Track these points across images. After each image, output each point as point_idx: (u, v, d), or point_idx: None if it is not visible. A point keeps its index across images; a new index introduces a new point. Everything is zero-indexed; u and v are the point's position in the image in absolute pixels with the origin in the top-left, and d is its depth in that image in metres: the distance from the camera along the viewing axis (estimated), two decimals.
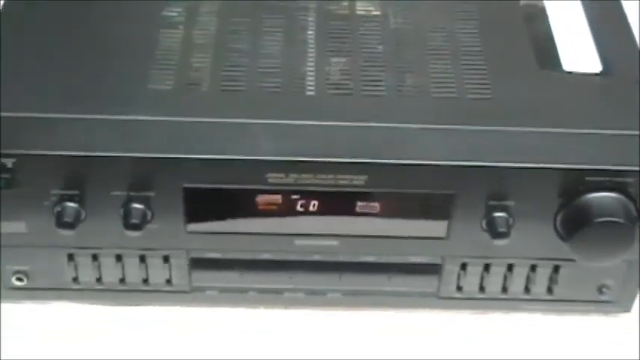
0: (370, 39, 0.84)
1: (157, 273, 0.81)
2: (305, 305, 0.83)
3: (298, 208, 0.76)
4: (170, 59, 0.81)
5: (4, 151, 0.73)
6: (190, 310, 0.83)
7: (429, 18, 0.87)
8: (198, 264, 0.81)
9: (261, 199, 0.76)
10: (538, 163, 0.74)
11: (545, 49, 0.84)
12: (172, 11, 0.86)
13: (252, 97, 0.78)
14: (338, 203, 0.76)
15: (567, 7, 0.88)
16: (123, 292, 0.82)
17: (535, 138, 0.76)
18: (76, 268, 0.81)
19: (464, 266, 0.81)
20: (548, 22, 0.87)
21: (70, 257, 0.80)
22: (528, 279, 0.81)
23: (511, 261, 0.80)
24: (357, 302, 0.83)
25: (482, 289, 0.82)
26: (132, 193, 0.75)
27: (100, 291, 0.82)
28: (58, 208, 0.75)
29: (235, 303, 0.84)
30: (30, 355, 0.80)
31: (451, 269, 0.81)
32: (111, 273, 0.81)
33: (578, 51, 0.84)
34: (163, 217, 0.77)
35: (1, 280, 0.81)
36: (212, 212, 0.77)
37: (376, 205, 0.76)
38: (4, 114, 0.75)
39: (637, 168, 0.74)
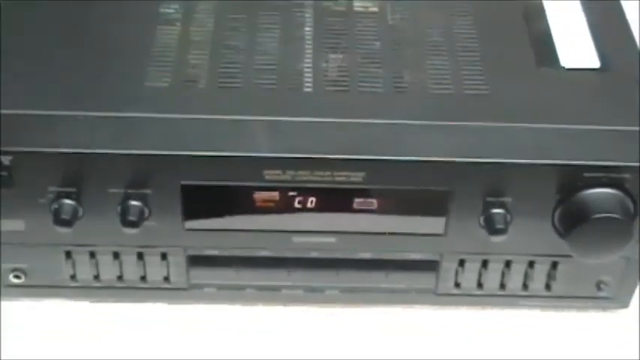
0: (367, 36, 0.84)
1: (155, 270, 0.81)
2: (303, 302, 0.83)
3: (296, 205, 0.76)
4: (167, 56, 0.81)
5: (1, 149, 0.73)
6: (189, 308, 0.83)
7: (426, 14, 0.87)
8: (196, 261, 0.81)
9: (258, 196, 0.76)
10: (536, 159, 0.74)
11: (543, 46, 0.84)
12: (169, 8, 0.86)
13: (250, 94, 0.78)
14: (335, 200, 0.76)
15: (565, 4, 0.88)
16: (120, 289, 0.82)
17: (533, 134, 0.76)
18: (73, 265, 0.81)
19: (462, 263, 0.81)
20: (546, 18, 0.86)
21: (68, 255, 0.80)
22: (526, 275, 0.81)
23: (509, 257, 0.80)
24: (354, 299, 0.83)
25: (480, 285, 0.82)
26: (129, 191, 0.75)
27: (98, 288, 0.82)
28: (56, 206, 0.75)
29: (233, 300, 0.83)
30: (30, 355, 0.80)
31: (449, 266, 0.81)
32: (108, 270, 0.81)
33: (576, 47, 0.84)
34: (161, 214, 0.77)
35: None
36: (209, 209, 0.77)
37: (374, 202, 0.76)
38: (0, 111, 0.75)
39: (635, 164, 0.74)
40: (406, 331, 0.83)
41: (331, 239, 0.79)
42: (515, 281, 0.81)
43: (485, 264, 0.81)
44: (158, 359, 0.80)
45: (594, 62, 0.82)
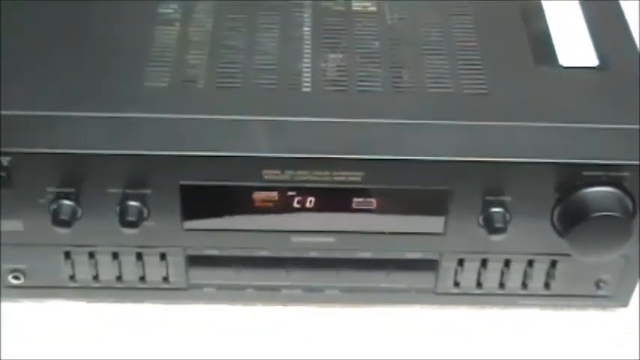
0: (366, 35, 0.84)
1: (154, 270, 0.81)
2: (302, 302, 0.83)
3: (295, 204, 0.76)
4: (166, 56, 0.81)
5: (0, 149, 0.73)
6: (188, 308, 0.83)
7: (425, 14, 0.87)
8: (195, 261, 0.81)
9: (257, 195, 0.76)
10: (535, 157, 0.74)
11: (542, 45, 0.84)
12: (168, 8, 0.86)
13: (248, 94, 0.78)
14: (334, 200, 0.76)
15: (564, 3, 0.88)
16: (120, 289, 0.82)
17: (532, 133, 0.76)
18: (72, 266, 0.81)
19: (461, 262, 0.81)
20: (544, 18, 0.86)
21: (67, 255, 0.80)
22: (525, 274, 0.81)
23: (508, 256, 0.80)
24: (354, 299, 0.83)
25: (479, 284, 0.82)
26: (128, 191, 0.75)
27: (97, 289, 0.82)
28: (54, 206, 0.75)
29: (232, 300, 0.83)
30: (30, 355, 0.80)
31: (448, 265, 0.81)
32: (107, 271, 0.81)
33: (574, 46, 0.84)
34: (160, 214, 0.77)
35: None
36: (208, 209, 0.77)
37: (373, 202, 0.76)
38: None
39: (634, 162, 0.74)
40: (406, 330, 0.83)
41: (330, 239, 0.79)
42: (514, 280, 0.81)
43: (484, 263, 0.81)
44: (158, 359, 0.80)
45: (593, 60, 0.82)
